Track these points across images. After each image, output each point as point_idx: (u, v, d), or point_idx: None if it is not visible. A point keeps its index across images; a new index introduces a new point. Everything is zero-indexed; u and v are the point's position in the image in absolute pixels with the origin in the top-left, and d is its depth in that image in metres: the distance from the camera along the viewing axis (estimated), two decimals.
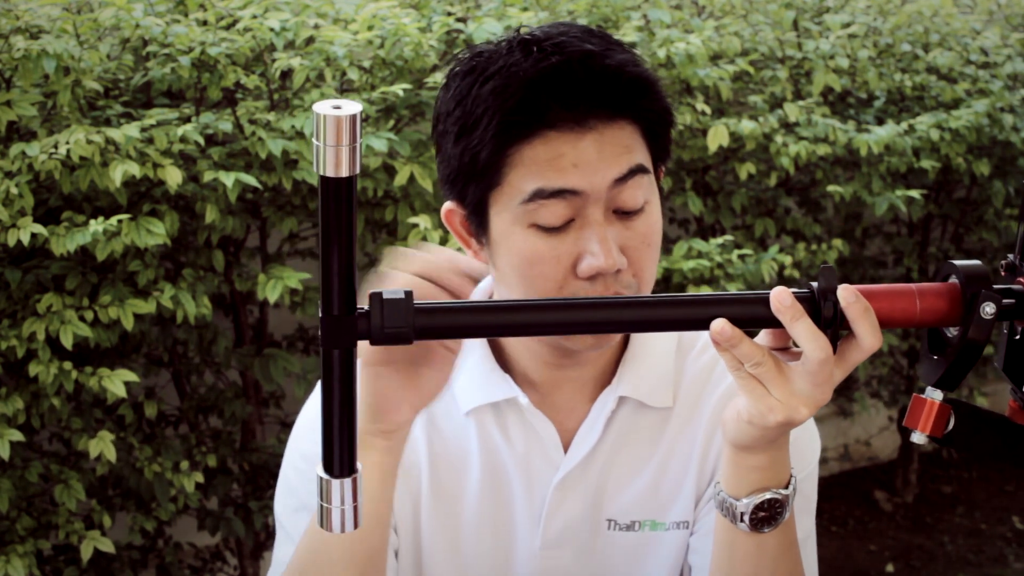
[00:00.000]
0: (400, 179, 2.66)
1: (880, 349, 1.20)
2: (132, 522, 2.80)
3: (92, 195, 2.54)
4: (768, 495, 1.20)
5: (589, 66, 1.22)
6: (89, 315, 2.47)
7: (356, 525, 1.03)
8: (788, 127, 3.35)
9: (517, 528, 1.40)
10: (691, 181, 3.37)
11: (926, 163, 3.47)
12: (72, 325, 2.42)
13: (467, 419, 1.40)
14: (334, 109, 0.92)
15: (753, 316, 1.08)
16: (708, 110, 3.14)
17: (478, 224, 1.29)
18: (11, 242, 2.34)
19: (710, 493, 1.39)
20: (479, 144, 1.23)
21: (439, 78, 2.72)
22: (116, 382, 2.46)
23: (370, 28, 2.73)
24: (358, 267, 0.98)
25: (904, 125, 3.45)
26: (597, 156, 1.22)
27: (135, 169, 2.36)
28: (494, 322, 1.07)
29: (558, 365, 1.37)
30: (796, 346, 1.09)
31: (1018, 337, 1.10)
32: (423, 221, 2.64)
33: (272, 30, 2.62)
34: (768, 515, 1.20)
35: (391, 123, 2.79)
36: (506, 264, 1.27)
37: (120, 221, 2.40)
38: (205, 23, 2.70)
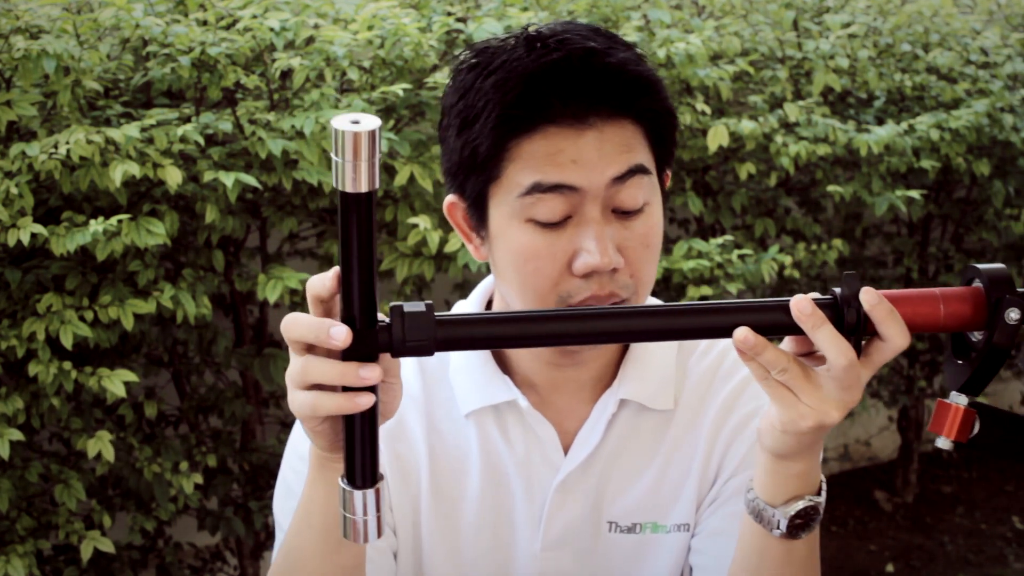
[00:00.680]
0: (400, 179, 2.66)
1: None
2: (132, 522, 2.80)
3: (92, 195, 2.54)
4: (805, 502, 1.19)
5: (590, 63, 1.22)
6: (89, 315, 2.47)
7: (380, 534, 1.03)
8: (788, 127, 3.35)
9: (517, 530, 1.40)
10: (691, 181, 3.37)
11: (926, 163, 3.47)
12: (72, 325, 2.42)
13: (467, 421, 1.40)
14: (352, 124, 0.92)
15: (775, 323, 1.08)
16: (708, 110, 3.14)
17: (478, 218, 1.29)
18: (11, 242, 2.34)
19: (713, 495, 1.39)
20: (479, 137, 1.23)
21: (439, 78, 2.72)
22: (116, 382, 2.46)
23: (370, 28, 2.73)
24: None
25: (904, 125, 3.45)
26: (596, 153, 1.22)
27: (135, 169, 2.36)
28: (515, 333, 1.07)
29: (558, 365, 1.37)
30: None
31: None
32: (423, 221, 2.64)
33: (272, 30, 2.62)
34: (804, 522, 1.20)
35: (391, 123, 2.79)
36: (503, 259, 1.27)
37: (120, 221, 2.40)
38: (205, 23, 2.70)
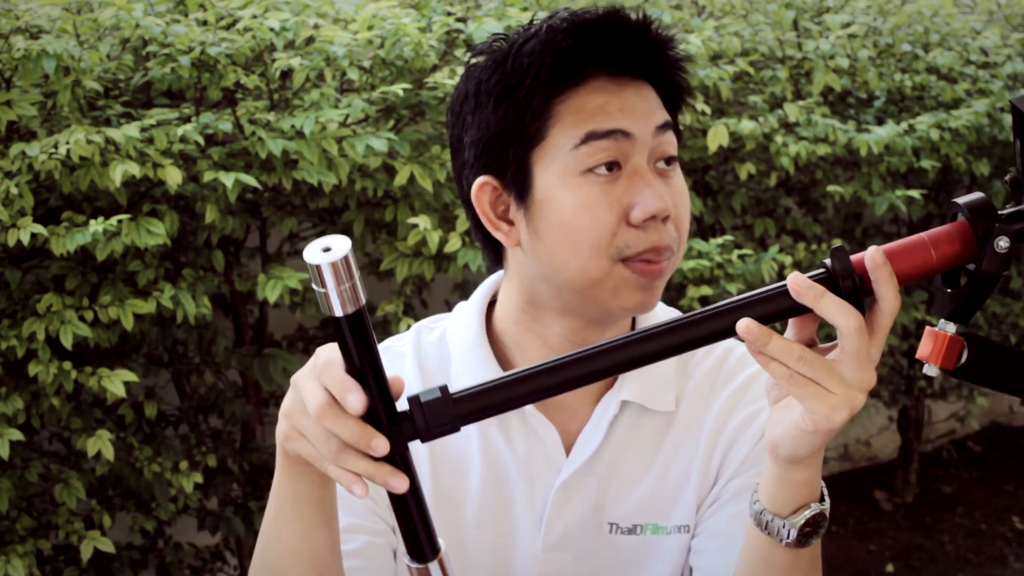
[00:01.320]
0: (400, 179, 2.66)
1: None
2: (132, 522, 2.80)
3: (92, 195, 2.54)
4: (812, 511, 1.19)
5: (620, 18, 1.28)
6: (89, 315, 2.47)
7: None
8: (788, 127, 3.35)
9: (518, 530, 1.40)
10: (691, 181, 3.37)
11: (926, 163, 3.47)
12: (72, 325, 2.42)
13: None
14: (324, 252, 0.96)
15: (777, 309, 1.09)
16: (708, 110, 3.14)
17: (519, 189, 1.30)
18: (11, 242, 2.34)
19: (713, 496, 1.39)
20: (528, 96, 1.27)
21: (439, 78, 2.72)
22: (116, 382, 2.46)
23: (370, 28, 2.73)
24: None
25: (904, 125, 3.45)
26: (642, 103, 1.29)
27: (135, 169, 2.36)
28: (532, 388, 1.08)
29: None
30: (823, 335, 1.08)
31: None
32: (423, 221, 2.64)
33: (272, 30, 2.62)
34: (813, 530, 1.20)
35: (391, 123, 2.79)
36: (555, 219, 1.28)
37: (120, 221, 2.40)
38: (205, 23, 2.70)
